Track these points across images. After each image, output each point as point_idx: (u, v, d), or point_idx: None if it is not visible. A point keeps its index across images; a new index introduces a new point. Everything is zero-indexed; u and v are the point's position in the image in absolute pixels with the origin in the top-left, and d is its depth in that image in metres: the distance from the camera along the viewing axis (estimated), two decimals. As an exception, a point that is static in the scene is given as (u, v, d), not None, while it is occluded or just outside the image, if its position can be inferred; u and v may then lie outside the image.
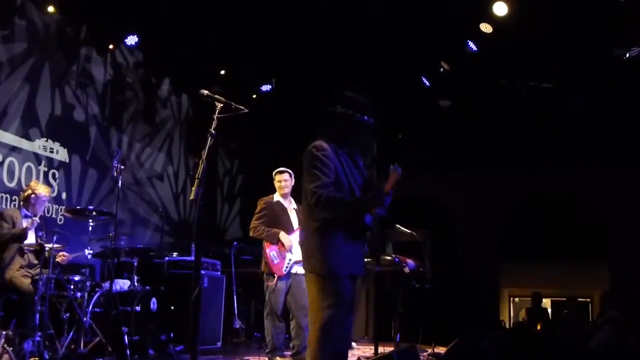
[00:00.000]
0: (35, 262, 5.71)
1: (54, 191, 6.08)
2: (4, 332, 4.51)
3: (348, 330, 3.57)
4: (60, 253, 5.75)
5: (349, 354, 3.80)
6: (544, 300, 12.67)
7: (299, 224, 5.95)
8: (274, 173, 6.23)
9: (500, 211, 11.99)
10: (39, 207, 5.89)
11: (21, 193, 6.03)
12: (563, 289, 12.81)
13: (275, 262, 5.88)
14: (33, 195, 5.83)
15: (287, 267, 5.88)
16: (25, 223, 5.60)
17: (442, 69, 8.99)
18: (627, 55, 7.52)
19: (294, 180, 6.15)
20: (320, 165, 3.43)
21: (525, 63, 8.89)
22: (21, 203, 5.94)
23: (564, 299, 11.99)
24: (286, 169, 6.17)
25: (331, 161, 3.46)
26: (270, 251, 5.92)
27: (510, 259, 12.34)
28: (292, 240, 5.89)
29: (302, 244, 3.72)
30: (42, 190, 5.91)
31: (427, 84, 9.38)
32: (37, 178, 6.85)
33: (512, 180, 11.72)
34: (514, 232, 11.98)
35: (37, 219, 5.64)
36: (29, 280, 5.49)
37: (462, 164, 11.47)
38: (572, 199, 11.76)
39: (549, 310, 13.11)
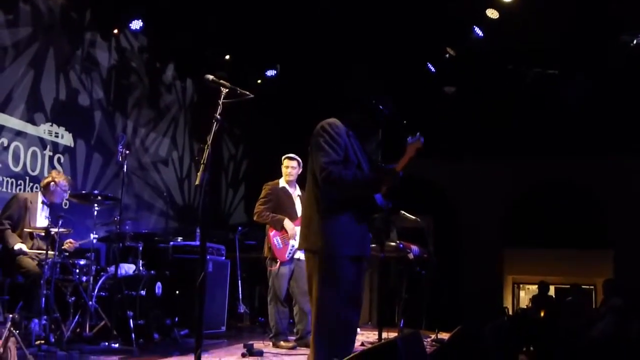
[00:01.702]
0: (44, 248, 5.71)
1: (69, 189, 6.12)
2: (10, 316, 4.53)
3: (351, 315, 3.48)
4: (68, 240, 5.76)
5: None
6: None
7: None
8: (283, 157, 6.22)
9: (505, 198, 11.97)
10: (57, 197, 5.92)
11: (42, 180, 6.06)
12: (567, 275, 12.82)
13: (279, 247, 5.91)
14: (52, 183, 5.84)
15: (289, 253, 5.91)
16: (21, 245, 5.52)
17: (447, 55, 8.96)
18: (635, 42, 7.47)
19: (301, 169, 6.14)
20: (331, 141, 3.43)
21: (531, 50, 8.84)
22: (41, 190, 5.95)
23: (568, 285, 11.99)
24: (296, 157, 6.15)
25: (342, 139, 3.47)
26: (274, 237, 5.94)
27: (514, 246, 12.34)
28: (296, 228, 5.89)
29: (303, 221, 3.61)
30: (63, 180, 5.93)
31: (433, 70, 9.35)
32: (42, 163, 6.88)
33: (516, 167, 11.69)
34: (518, 219, 11.97)
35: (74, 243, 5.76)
36: (36, 261, 5.49)
37: (466, 151, 11.43)
38: (577, 187, 11.73)
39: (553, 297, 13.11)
